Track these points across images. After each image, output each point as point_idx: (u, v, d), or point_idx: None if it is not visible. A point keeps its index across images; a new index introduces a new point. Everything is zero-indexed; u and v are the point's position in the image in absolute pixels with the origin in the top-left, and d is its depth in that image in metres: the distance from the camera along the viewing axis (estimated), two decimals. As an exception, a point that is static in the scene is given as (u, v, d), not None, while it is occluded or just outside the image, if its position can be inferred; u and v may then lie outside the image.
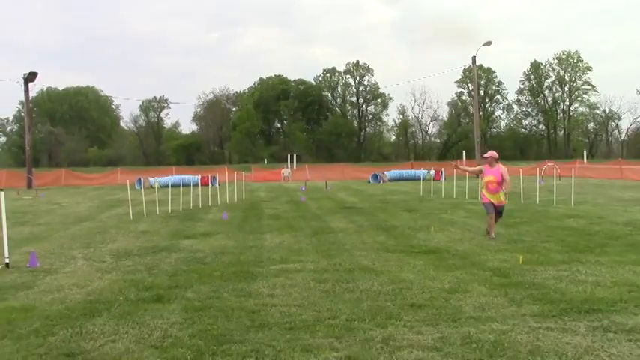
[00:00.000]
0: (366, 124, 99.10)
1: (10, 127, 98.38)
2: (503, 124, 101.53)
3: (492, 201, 12.77)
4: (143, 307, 7.39)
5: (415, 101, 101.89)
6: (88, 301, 7.73)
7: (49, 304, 7.67)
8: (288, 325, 6.52)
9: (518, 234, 13.18)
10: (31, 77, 45.44)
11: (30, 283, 8.95)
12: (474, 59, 50.21)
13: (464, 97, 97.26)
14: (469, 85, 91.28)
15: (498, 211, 12.91)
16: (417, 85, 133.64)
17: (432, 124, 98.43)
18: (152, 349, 5.76)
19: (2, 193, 11.09)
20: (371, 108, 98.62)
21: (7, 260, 10.36)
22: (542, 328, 6.22)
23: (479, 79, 73.19)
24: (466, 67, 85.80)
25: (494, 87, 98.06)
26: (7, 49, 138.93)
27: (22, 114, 76.21)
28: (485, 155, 13.39)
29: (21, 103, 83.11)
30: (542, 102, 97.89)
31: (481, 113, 76.83)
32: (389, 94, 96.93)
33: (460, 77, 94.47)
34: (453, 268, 9.51)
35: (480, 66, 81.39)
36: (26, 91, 46.31)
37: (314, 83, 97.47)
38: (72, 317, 6.95)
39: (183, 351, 5.68)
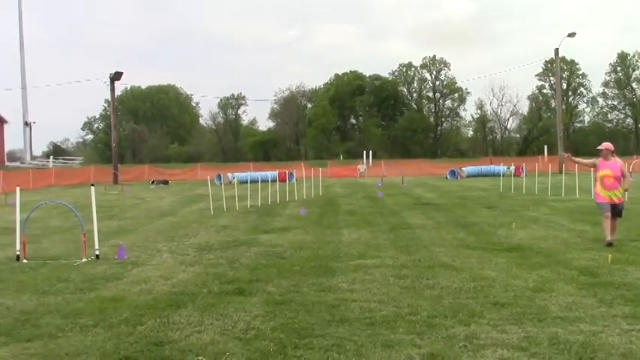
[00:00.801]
0: (443, 119, 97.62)
1: (96, 125, 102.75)
2: (587, 118, 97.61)
3: (609, 199, 11.34)
4: (226, 299, 7.55)
5: (494, 95, 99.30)
6: (174, 293, 7.98)
7: (137, 294, 7.96)
8: (369, 320, 6.51)
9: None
10: (116, 77, 47.29)
11: (119, 275, 9.32)
12: (556, 51, 48.56)
13: (545, 91, 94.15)
14: (551, 78, 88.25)
15: (617, 211, 11.37)
16: (495, 79, 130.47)
17: (511, 118, 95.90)
18: (236, 341, 5.88)
19: (93, 187, 11.62)
20: (448, 103, 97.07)
21: (97, 252, 10.83)
22: (636, 331, 5.94)
23: (561, 72, 70.73)
24: (548, 59, 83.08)
25: (577, 80, 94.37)
26: (94, 49, 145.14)
27: (108, 112, 79.45)
28: (599, 147, 12.19)
29: (107, 101, 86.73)
30: (630, 95, 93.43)
31: (564, 107, 74.20)
32: (466, 89, 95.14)
33: (541, 70, 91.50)
34: (537, 267, 9.23)
35: (563, 58, 78.43)
36: (112, 90, 48.23)
37: (389, 78, 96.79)
38: (159, 308, 7.19)
39: (266, 343, 5.77)
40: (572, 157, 13.32)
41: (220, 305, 7.25)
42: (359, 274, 8.94)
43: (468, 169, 44.00)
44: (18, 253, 10.85)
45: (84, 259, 10.61)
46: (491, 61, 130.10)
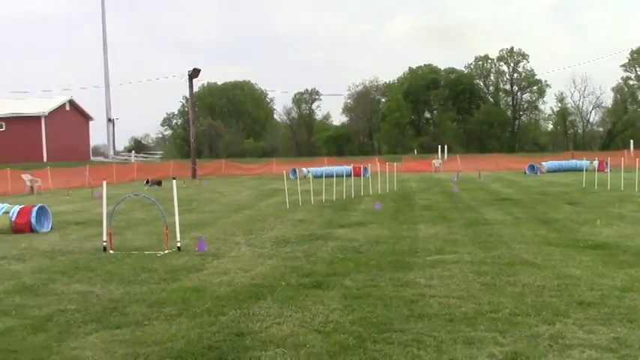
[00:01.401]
0: (521, 112, 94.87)
1: (175, 121, 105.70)
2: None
3: None
4: (304, 292, 7.63)
5: (575, 87, 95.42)
6: (253, 285, 8.12)
7: (218, 286, 8.15)
8: (448, 316, 6.43)
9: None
10: (194, 74, 48.50)
11: (199, 266, 9.57)
12: (643, 40, 46.28)
13: (631, 82, 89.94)
14: (637, 68, 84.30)
15: None
16: (577, 71, 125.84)
17: (594, 111, 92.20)
18: (315, 334, 5.92)
19: (175, 181, 11.98)
20: (526, 96, 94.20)
21: (178, 244, 11.16)
22: None
23: (648, 62, 67.37)
24: (634, 49, 79.36)
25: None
26: (173, 48, 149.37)
27: (186, 108, 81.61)
28: None
29: (185, 98, 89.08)
30: None
31: (651, 99, 70.79)
32: (546, 81, 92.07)
33: (627, 60, 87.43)
34: (625, 266, 8.85)
35: (650, 47, 74.76)
36: (190, 86, 49.53)
37: (465, 72, 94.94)
38: (239, 299, 7.34)
39: (345, 337, 5.79)
40: None
41: (299, 298, 7.32)
42: (437, 270, 8.83)
43: (548, 163, 42.64)
44: (105, 244, 11.31)
45: (166, 251, 10.95)
46: (572, 51, 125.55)
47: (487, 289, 7.60)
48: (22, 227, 14.25)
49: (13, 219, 14.40)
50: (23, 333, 6.20)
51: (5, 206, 15.04)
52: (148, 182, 27.52)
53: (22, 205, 15.13)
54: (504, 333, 5.82)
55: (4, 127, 59.95)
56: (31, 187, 31.28)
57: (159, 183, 28.54)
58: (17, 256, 11.02)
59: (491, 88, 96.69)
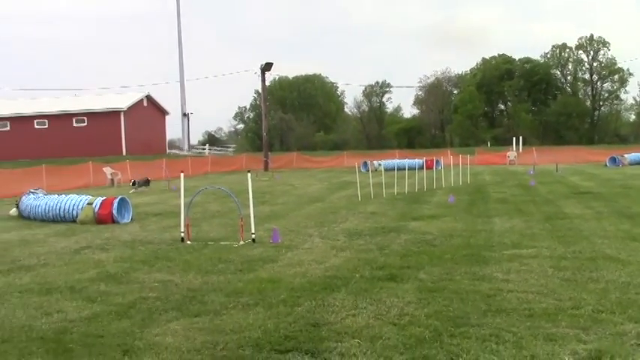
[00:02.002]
0: (601, 103, 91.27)
1: (247, 115, 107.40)
2: None
3: None
4: (378, 285, 7.61)
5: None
6: (327, 277, 8.16)
7: (293, 277, 8.24)
8: (527, 312, 6.27)
9: None
10: (267, 68, 49.07)
11: (274, 257, 9.70)
12: None
13: None
14: None
15: None
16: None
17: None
18: (391, 326, 5.90)
19: (250, 174, 12.18)
20: (606, 85, 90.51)
21: (253, 236, 11.34)
22: None
23: None
24: None
25: None
26: (245, 42, 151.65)
27: (258, 102, 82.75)
28: None
29: (256, 92, 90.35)
30: None
31: None
32: (628, 70, 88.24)
33: None
34: None
35: None
36: (263, 80, 50.16)
37: (541, 61, 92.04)
38: (314, 290, 7.39)
39: (421, 330, 5.74)
40: None
41: (373, 290, 7.31)
42: (514, 264, 8.62)
43: (631, 155, 40.84)
44: (182, 234, 11.63)
45: (241, 242, 11.15)
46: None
47: (568, 285, 7.36)
48: (104, 218, 14.84)
49: (96, 210, 15.01)
50: (108, 319, 6.46)
51: (88, 198, 15.70)
52: (134, 184, 26.96)
53: (104, 197, 15.74)
54: (587, 330, 5.63)
55: (86, 122, 62.50)
56: (112, 180, 32.51)
57: (146, 183, 28.00)
58: (101, 245, 11.48)
59: (569, 77, 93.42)
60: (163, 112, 72.91)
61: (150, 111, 69.18)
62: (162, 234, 12.78)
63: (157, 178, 34.97)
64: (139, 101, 66.56)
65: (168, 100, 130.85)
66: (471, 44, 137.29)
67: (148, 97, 68.76)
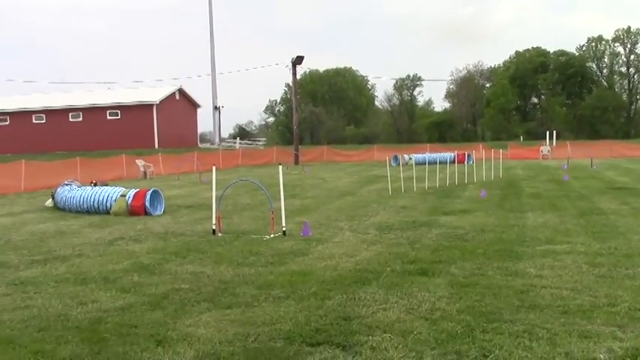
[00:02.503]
0: (638, 96, 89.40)
1: (277, 108, 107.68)
2: None
3: None
4: (409, 279, 7.57)
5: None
6: (358, 270, 8.15)
7: (323, 270, 8.25)
8: (562, 308, 6.18)
9: None
10: (298, 61, 49.06)
11: (305, 250, 9.72)
12: None
13: None
14: None
15: None
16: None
17: None
18: (422, 321, 5.87)
19: (281, 167, 12.22)
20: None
21: (284, 229, 11.38)
22: None
23: None
24: None
25: None
26: (276, 36, 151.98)
27: (289, 95, 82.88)
28: None
29: (287, 85, 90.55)
30: None
31: None
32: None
33: None
34: None
35: None
36: (294, 74, 50.16)
37: (576, 54, 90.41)
38: (344, 284, 7.39)
39: (453, 325, 5.70)
40: None
41: (404, 284, 7.28)
42: (548, 260, 8.50)
43: (668, 150, 39.95)
44: (214, 227, 11.72)
45: (272, 235, 11.20)
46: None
47: (603, 282, 7.24)
48: (137, 210, 15.03)
49: (130, 202, 15.21)
50: (142, 309, 6.54)
51: (122, 190, 15.92)
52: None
53: (137, 189, 15.95)
54: (624, 328, 5.53)
55: (119, 115, 63.32)
56: (144, 172, 32.91)
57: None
58: (134, 237, 11.64)
59: (605, 70, 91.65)
60: (195, 106, 73.49)
61: (182, 104, 69.81)
62: (193, 226, 12.90)
63: (189, 170, 35.31)
64: (171, 94, 67.18)
65: (199, 93, 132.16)
66: (503, 37, 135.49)
67: (180, 91, 69.35)
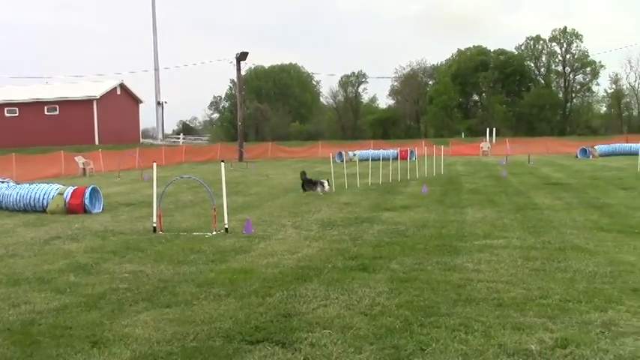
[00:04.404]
0: (573, 95, 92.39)
1: (222, 104, 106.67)
2: None
3: None
4: (350, 275, 7.64)
5: (631, 68, 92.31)
6: (299, 267, 8.17)
7: (265, 267, 8.23)
8: (497, 301, 6.35)
9: None
10: (242, 57, 48.75)
11: (247, 248, 9.68)
12: None
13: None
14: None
15: None
16: (633, 51, 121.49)
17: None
18: (362, 316, 5.93)
19: (223, 164, 12.11)
20: (579, 78, 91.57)
21: (226, 226, 11.30)
22: None
23: None
24: (694, 28, 76.20)
25: None
26: (221, 31, 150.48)
27: (233, 92, 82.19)
28: None
29: (232, 81, 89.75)
30: None
31: None
32: (600, 62, 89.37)
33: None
34: (681, 252, 8.58)
35: None
36: (238, 70, 49.85)
37: (515, 53, 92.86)
38: (286, 281, 7.40)
39: (392, 320, 5.78)
40: None
41: (345, 280, 7.34)
42: (485, 255, 8.72)
43: (601, 147, 41.50)
44: (154, 225, 11.54)
45: (214, 232, 11.11)
46: (628, 31, 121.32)
47: (537, 275, 7.47)
48: (75, 208, 14.65)
49: (67, 200, 14.82)
50: (77, 310, 6.39)
51: (59, 187, 15.49)
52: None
53: (76, 187, 15.54)
54: (554, 319, 5.72)
55: (58, 110, 61.55)
56: (84, 169, 32.12)
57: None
58: (71, 235, 11.34)
59: (542, 69, 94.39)
60: (137, 101, 72.08)
61: (123, 99, 68.38)
62: (133, 224, 12.67)
63: (130, 167, 34.63)
64: (112, 89, 65.71)
65: (142, 88, 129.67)
66: (447, 36, 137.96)
67: (122, 86, 67.91)
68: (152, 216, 11.78)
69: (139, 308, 6.40)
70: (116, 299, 6.78)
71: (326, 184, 18.28)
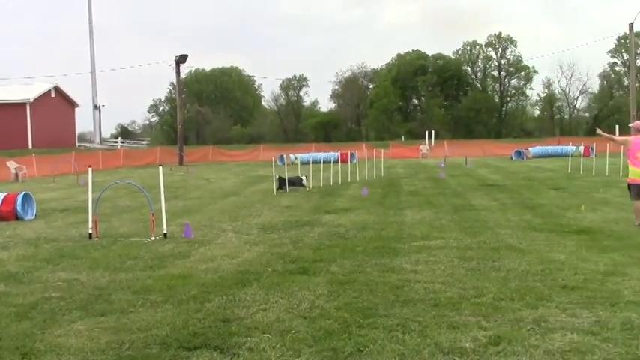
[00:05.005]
0: (508, 98, 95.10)
1: (162, 108, 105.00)
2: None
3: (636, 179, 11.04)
4: (290, 278, 7.64)
5: (562, 73, 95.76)
6: (239, 271, 8.12)
7: (204, 272, 8.15)
8: (433, 301, 6.47)
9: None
10: (181, 59, 48.10)
11: (186, 253, 9.56)
12: (630, 26, 46.55)
13: (617, 68, 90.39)
14: (624, 54, 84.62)
15: None
16: (564, 56, 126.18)
17: (580, 97, 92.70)
18: (301, 319, 5.94)
19: (161, 168, 11.93)
20: (513, 82, 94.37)
21: (165, 231, 11.13)
22: None
23: (635, 48, 67.61)
24: (621, 35, 79.62)
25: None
26: (160, 33, 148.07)
27: (173, 95, 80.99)
28: (631, 124, 12.00)
29: (172, 84, 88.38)
30: None
31: (637, 85, 71.14)
32: (533, 67, 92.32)
33: (614, 46, 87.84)
34: (608, 250, 8.95)
35: (637, 33, 75.01)
36: (177, 72, 49.13)
37: (453, 58, 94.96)
38: (225, 286, 7.34)
39: (331, 322, 5.81)
40: (602, 133, 12.97)
41: (285, 284, 7.33)
42: (423, 255, 8.87)
43: (534, 149, 42.90)
44: (90, 231, 11.26)
45: (152, 238, 10.92)
46: (559, 37, 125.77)
47: (472, 274, 7.65)
48: (6, 215, 14.14)
49: (-2, 206, 14.28)
50: (7, 320, 6.17)
51: (-11, 194, 14.91)
52: None
53: (7, 193, 15.01)
54: (488, 317, 5.87)
55: (-13, 114, 59.26)
56: (16, 175, 31.02)
57: None
58: (2, 244, 10.94)
59: (479, 74, 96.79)
60: (73, 104, 70.13)
61: (58, 103, 66.39)
62: (68, 231, 12.33)
63: (66, 172, 33.67)
64: (46, 92, 63.69)
65: (79, 91, 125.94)
66: (387, 40, 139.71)
67: (57, 88, 65.94)
68: (88, 222, 11.48)
69: (72, 317, 6.23)
70: (49, 308, 6.58)
71: (304, 180, 19.69)
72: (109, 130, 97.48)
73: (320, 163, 24.56)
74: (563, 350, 4.98)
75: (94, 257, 9.38)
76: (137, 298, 6.87)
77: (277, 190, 19.29)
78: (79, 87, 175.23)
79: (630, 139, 11.68)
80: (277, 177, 19.74)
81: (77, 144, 68.88)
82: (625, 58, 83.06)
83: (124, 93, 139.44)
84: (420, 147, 50.51)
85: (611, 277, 7.29)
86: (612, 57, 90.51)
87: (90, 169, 12.22)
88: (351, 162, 32.54)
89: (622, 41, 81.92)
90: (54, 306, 6.67)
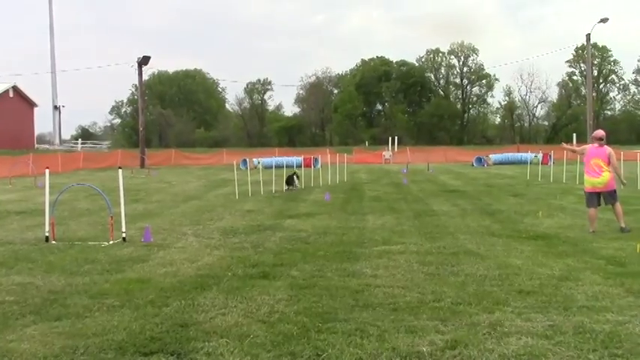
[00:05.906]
0: (470, 106, 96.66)
1: (124, 110, 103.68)
2: (618, 106, 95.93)
3: (596, 187, 11.35)
4: (250, 283, 7.60)
5: (522, 82, 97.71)
6: (199, 276, 8.05)
7: (163, 276, 8.05)
8: (392, 306, 6.51)
9: (635, 221, 12.42)
10: (144, 61, 47.65)
11: (145, 257, 9.43)
12: (588, 37, 47.72)
13: (575, 78, 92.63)
14: (582, 64, 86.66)
15: (612, 196, 11.40)
16: (524, 66, 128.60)
17: (539, 105, 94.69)
18: (260, 324, 5.92)
19: (120, 170, 11.76)
20: (475, 89, 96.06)
21: (124, 235, 10.96)
22: (664, 321, 5.85)
23: (592, 58, 69.32)
24: (579, 45, 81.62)
25: (609, 67, 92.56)
26: (123, 34, 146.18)
27: (135, 97, 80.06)
28: (593, 134, 12.34)
29: (134, 86, 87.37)
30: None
31: (594, 94, 72.89)
32: (494, 75, 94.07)
33: (572, 57, 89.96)
34: (563, 255, 9.14)
35: (594, 44, 76.93)
36: (140, 74, 48.65)
37: (416, 64, 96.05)
38: (184, 290, 7.27)
39: (290, 327, 5.80)
40: (566, 147, 13.51)
41: (245, 288, 7.30)
42: (383, 260, 8.93)
43: (495, 156, 43.61)
44: (47, 234, 11.03)
45: (111, 242, 10.75)
46: (520, 46, 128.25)
47: (431, 279, 7.73)
48: (-41, 217, 13.77)
49: (-49, 208, 13.90)
50: (-43, 326, 6.00)
51: (-58, 195, 14.51)
52: None
53: (-40, 194, 14.62)
54: (446, 321, 5.93)
55: (-58, 113, 57.71)
56: (-29, 176, 30.24)
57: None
58: (-46, 246, 10.64)
59: (441, 81, 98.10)
60: (32, 105, 68.74)
61: (16, 103, 65.01)
62: (24, 233, 12.06)
63: (23, 174, 32.95)
64: (4, 92, 62.32)
65: (38, 92, 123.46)
66: (352, 45, 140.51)
67: (15, 88, 64.57)
68: (45, 225, 11.25)
69: (25, 322, 6.09)
70: (1, 313, 6.41)
71: (296, 179, 21.84)
72: (69, 131, 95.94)
73: (283, 167, 24.51)
74: (518, 354, 5.06)
75: (49, 261, 9.19)
76: (93, 302, 6.75)
77: (285, 189, 21.43)
78: (39, 87, 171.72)
79: (587, 147, 12.02)
80: (287, 176, 21.94)
81: (36, 145, 67.49)
82: (583, 68, 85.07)
83: (85, 94, 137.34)
84: (383, 152, 50.90)
85: (566, 282, 7.44)
86: (570, 67, 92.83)
87: (47, 171, 11.97)
88: (314, 167, 32.59)
89: (580, 52, 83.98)
90: (6, 310, 6.51)
